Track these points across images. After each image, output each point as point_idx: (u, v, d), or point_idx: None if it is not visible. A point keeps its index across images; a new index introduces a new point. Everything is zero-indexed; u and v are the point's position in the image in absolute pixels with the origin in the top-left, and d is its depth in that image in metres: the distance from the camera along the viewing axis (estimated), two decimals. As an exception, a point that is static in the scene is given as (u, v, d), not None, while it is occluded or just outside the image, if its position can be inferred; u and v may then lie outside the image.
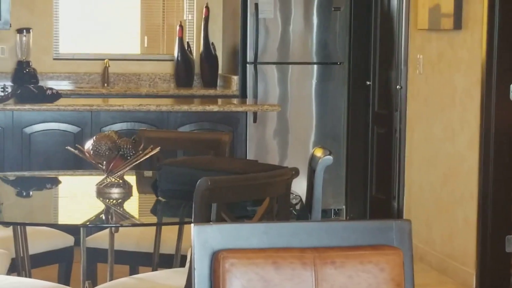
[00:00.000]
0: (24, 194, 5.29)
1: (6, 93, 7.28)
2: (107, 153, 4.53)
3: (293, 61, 8.96)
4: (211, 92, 9.05)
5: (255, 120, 8.26)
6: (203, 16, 9.29)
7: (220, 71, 9.38)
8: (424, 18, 7.23)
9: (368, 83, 8.78)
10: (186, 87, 9.25)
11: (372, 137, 8.75)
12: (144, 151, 4.60)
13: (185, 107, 7.18)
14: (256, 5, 8.71)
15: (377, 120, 8.67)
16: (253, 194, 3.98)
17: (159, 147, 4.67)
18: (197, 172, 4.42)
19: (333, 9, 8.92)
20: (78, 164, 6.73)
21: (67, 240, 5.08)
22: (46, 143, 6.97)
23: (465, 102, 6.75)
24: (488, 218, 6.50)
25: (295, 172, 4.18)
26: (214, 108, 7.23)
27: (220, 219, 3.82)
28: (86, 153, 4.58)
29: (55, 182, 5.56)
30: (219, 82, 9.35)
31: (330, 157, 4.66)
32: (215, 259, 2.65)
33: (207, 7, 9.27)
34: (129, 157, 4.56)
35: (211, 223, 2.87)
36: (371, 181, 8.72)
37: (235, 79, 8.97)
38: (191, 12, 9.56)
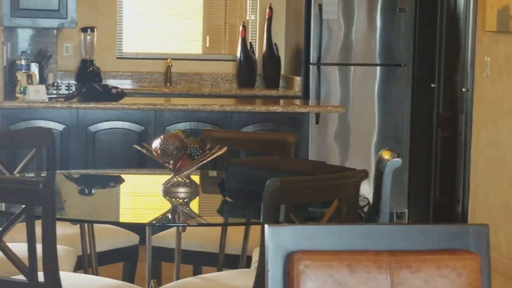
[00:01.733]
0: (89, 192, 5.33)
1: (72, 91, 7.32)
2: (174, 152, 4.53)
3: (356, 63, 8.92)
4: (273, 92, 9.03)
5: (317, 122, 8.23)
6: (266, 16, 9.29)
7: (282, 72, 9.36)
8: (492, 20, 7.16)
9: (433, 85, 8.72)
10: (248, 87, 9.25)
11: (436, 140, 8.66)
12: (211, 151, 4.61)
13: (248, 108, 7.17)
14: (320, 5, 8.68)
15: (441, 123, 8.59)
16: (322, 195, 3.96)
17: (226, 148, 4.67)
18: (264, 172, 4.40)
19: (398, 10, 8.86)
20: (142, 163, 6.77)
21: (133, 238, 5.08)
22: (110, 142, 7.01)
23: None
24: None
25: (364, 174, 4.16)
26: (278, 109, 7.22)
27: (288, 220, 3.80)
28: (154, 152, 4.59)
29: (120, 180, 5.54)
30: (281, 82, 9.33)
31: (399, 160, 4.63)
32: (289, 261, 2.63)
33: (270, 8, 9.27)
34: (196, 157, 4.56)
35: (284, 224, 2.82)
36: (435, 185, 8.63)
37: (298, 80, 8.94)
38: (254, 13, 9.55)
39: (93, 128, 6.98)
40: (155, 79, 9.29)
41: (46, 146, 5.38)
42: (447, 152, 8.42)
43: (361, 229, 2.78)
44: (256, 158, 4.90)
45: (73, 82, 8.17)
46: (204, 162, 4.57)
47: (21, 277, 3.92)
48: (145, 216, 4.64)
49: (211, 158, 4.60)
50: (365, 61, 8.95)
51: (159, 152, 4.55)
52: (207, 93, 8.90)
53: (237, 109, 7.15)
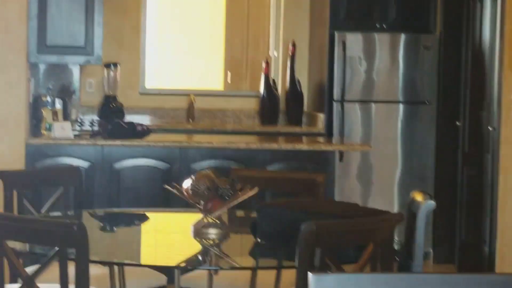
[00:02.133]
0: (118, 232, 5.30)
1: (97, 128, 7.30)
2: (205, 192, 4.50)
3: (379, 100, 8.90)
4: (296, 129, 9.02)
5: (341, 159, 8.21)
6: (289, 53, 9.29)
7: (305, 109, 9.34)
8: (518, 59, 7.15)
9: (458, 123, 8.67)
10: (271, 124, 9.22)
11: (461, 179, 8.60)
12: (241, 191, 4.58)
13: (274, 145, 7.16)
14: (344, 43, 8.69)
15: (467, 161, 8.53)
16: (358, 239, 3.92)
17: (257, 188, 4.63)
18: (297, 215, 4.36)
19: (422, 47, 8.86)
20: (167, 201, 6.73)
21: (161, 278, 5.05)
22: (135, 179, 6.98)
23: None
24: None
25: (399, 218, 4.12)
26: (303, 146, 7.19)
27: (323, 265, 3.77)
28: (184, 192, 4.56)
29: (148, 219, 5.53)
30: (304, 119, 9.31)
31: (433, 202, 4.59)
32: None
33: (293, 44, 9.26)
34: (227, 198, 4.53)
35: (328, 272, 2.78)
36: (460, 225, 8.54)
37: (321, 116, 8.93)
38: (277, 49, 9.55)
39: (118, 165, 6.95)
40: (177, 115, 9.28)
41: (74, 185, 5.37)
42: (473, 191, 8.35)
43: (408, 278, 2.75)
44: (288, 200, 4.85)
45: (96, 117, 8.14)
46: (236, 203, 4.54)
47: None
48: (175, 257, 4.59)
49: (243, 199, 4.57)
50: (388, 99, 8.93)
51: (190, 192, 4.52)
52: (230, 130, 8.89)
53: (263, 147, 7.13)
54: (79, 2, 7.14)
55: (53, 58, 7.29)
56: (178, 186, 4.64)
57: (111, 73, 8.45)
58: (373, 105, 8.90)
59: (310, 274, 2.68)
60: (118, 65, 8.18)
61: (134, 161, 7.00)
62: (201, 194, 4.50)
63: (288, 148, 7.17)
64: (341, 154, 7.98)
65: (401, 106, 8.94)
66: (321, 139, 8.34)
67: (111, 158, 6.95)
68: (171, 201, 6.59)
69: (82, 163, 6.86)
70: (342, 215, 4.30)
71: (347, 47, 8.73)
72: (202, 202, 4.53)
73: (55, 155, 6.91)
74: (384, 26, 8.90)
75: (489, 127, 7.97)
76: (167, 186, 4.70)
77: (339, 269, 3.82)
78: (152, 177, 6.99)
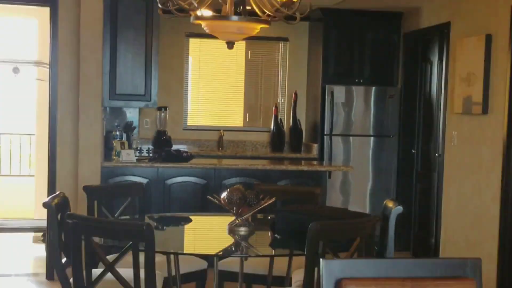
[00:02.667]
0: (172, 230, 5.32)
1: (154, 155, 7.36)
2: (237, 201, 4.54)
3: (356, 134, 8.93)
4: (297, 155, 9.03)
5: (329, 177, 8.19)
6: (292, 100, 9.34)
7: (303, 140, 9.36)
8: (459, 105, 7.15)
9: (413, 151, 8.72)
10: (278, 151, 9.25)
11: (415, 191, 8.66)
12: (264, 200, 4.61)
13: (282, 167, 7.21)
14: (332, 93, 8.73)
15: (419, 178, 8.60)
16: (349, 234, 3.96)
17: (274, 198, 4.67)
18: (305, 217, 4.40)
19: (387, 96, 8.91)
20: (205, 208, 6.76)
21: (202, 264, 5.06)
22: (181, 192, 7.02)
23: (489, 168, 6.66)
24: (506, 253, 6.39)
25: (378, 219, 4.16)
26: (304, 168, 7.27)
27: (324, 253, 3.79)
28: (222, 201, 4.59)
29: (191, 221, 5.62)
30: (302, 148, 9.33)
31: (401, 207, 4.62)
32: (339, 286, 2.63)
33: (295, 93, 9.32)
34: (253, 205, 4.57)
35: (335, 258, 2.79)
36: (414, 223, 8.59)
37: (315, 146, 8.97)
38: (283, 97, 9.61)
39: (169, 181, 6.99)
40: (211, 144, 9.31)
41: (138, 196, 5.41)
42: (423, 199, 8.41)
43: (390, 262, 2.76)
44: (297, 206, 4.88)
45: (151, 146, 8.17)
46: (260, 208, 4.57)
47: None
48: (214, 248, 4.61)
49: (264, 206, 4.59)
50: (363, 133, 8.96)
51: (226, 201, 4.55)
52: (249, 155, 8.91)
53: (274, 168, 7.17)
54: (140, 61, 7.20)
55: (121, 103, 7.35)
56: (217, 197, 4.66)
57: (162, 114, 8.45)
58: (351, 138, 8.92)
59: (321, 260, 2.70)
60: (167, 108, 8.19)
61: (181, 178, 7.04)
62: (234, 202, 4.54)
63: (293, 169, 7.21)
64: (330, 173, 7.98)
65: (372, 139, 8.96)
66: (315, 162, 8.39)
67: (164, 176, 6.99)
68: (208, 208, 6.61)
69: (143, 180, 6.88)
70: (337, 217, 4.35)
71: (334, 96, 8.76)
72: (234, 208, 4.56)
73: (123, 174, 6.93)
74: (361, 81, 8.94)
75: (435, 154, 8.02)
76: (209, 197, 4.73)
77: (335, 256, 3.84)
78: (194, 190, 7.03)
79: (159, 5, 4.65)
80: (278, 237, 4.56)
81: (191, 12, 4.42)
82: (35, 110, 9.49)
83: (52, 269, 7.08)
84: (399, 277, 2.69)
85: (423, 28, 8.46)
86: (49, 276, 7.12)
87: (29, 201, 10.00)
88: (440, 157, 7.87)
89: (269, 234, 4.72)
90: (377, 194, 8.93)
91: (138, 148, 7.98)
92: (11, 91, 10.79)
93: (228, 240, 4.63)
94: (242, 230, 4.55)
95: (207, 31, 4.47)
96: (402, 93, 8.93)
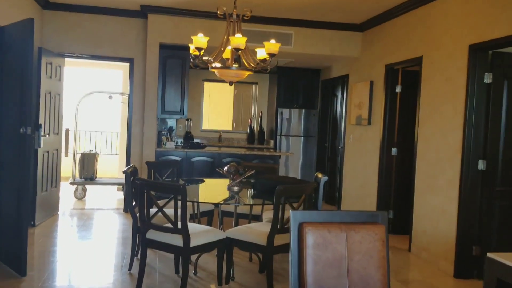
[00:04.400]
0: (191, 186, 4.93)
1: (184, 144, 6.95)
2: (233, 172, 4.18)
3: (293, 135, 8.56)
4: (262, 146, 8.64)
5: (279, 158, 7.85)
6: (260, 116, 8.97)
7: (265, 138, 8.99)
8: (353, 120, 6.86)
9: (326, 145, 8.38)
10: (252, 144, 8.85)
11: (327, 167, 8.30)
12: (248, 172, 4.25)
13: (255, 152, 6.83)
14: (281, 112, 8.39)
15: (329, 160, 8.21)
16: (299, 193, 3.60)
17: (253, 170, 4.31)
18: (273, 182, 4.05)
19: (312, 115, 8.58)
20: (212, 174, 6.40)
21: (211, 206, 4.68)
22: (200, 165, 6.60)
23: (372, 154, 6.36)
24: (381, 204, 6.11)
25: (315, 184, 3.81)
26: (267, 153, 6.86)
27: (284, 204, 3.45)
28: (224, 171, 4.22)
29: (204, 181, 5.17)
30: (265, 142, 8.96)
31: (326, 177, 4.27)
32: (301, 227, 2.29)
33: (261, 112, 8.97)
34: (241, 174, 4.20)
35: (299, 210, 2.43)
36: (325, 186, 8.10)
37: (272, 141, 8.60)
38: (255, 113, 9.23)
39: (193, 159, 6.59)
40: (214, 139, 8.91)
41: (176, 167, 5.00)
42: (332, 172, 8.00)
43: (331, 212, 2.43)
44: (268, 175, 4.51)
45: (182, 140, 7.74)
46: (246, 176, 4.20)
47: (169, 225, 3.52)
48: (218, 197, 4.23)
49: (248, 175, 4.23)
50: (297, 134, 8.59)
51: (226, 171, 4.17)
52: (236, 145, 8.52)
53: (251, 153, 6.79)
54: (177, 93, 6.79)
55: (167, 116, 6.89)
56: (221, 169, 4.30)
57: (188, 122, 8.06)
58: (291, 137, 8.55)
59: (290, 211, 2.35)
60: (191, 119, 7.79)
61: (199, 158, 6.62)
62: (232, 172, 4.17)
63: (261, 154, 6.82)
64: (280, 156, 7.62)
65: (302, 138, 8.61)
66: (272, 150, 8.01)
67: (190, 156, 6.57)
68: (214, 175, 6.25)
69: (178, 158, 6.48)
70: (292, 183, 3.99)
71: (282, 114, 8.42)
72: (231, 176, 4.19)
73: (167, 155, 6.51)
74: (297, 106, 8.58)
75: (339, 146, 7.69)
76: (217, 169, 4.36)
77: (291, 206, 3.50)
78: (206, 164, 6.61)
79: (191, 62, 4.29)
80: (256, 193, 4.18)
81: (209, 65, 4.05)
82: (120, 119, 9.08)
83: (127, 207, 6.72)
84: (337, 221, 2.37)
85: (332, 78, 8.14)
86: (125, 210, 6.73)
87: (115, 168, 9.59)
88: (342, 148, 7.56)
89: (251, 191, 4.33)
90: (305, 168, 8.61)
91: (175, 141, 7.58)
92: (107, 109, 10.40)
93: (227, 194, 4.24)
94: (235, 188, 4.18)
95: (217, 75, 4.09)
96: (320, 113, 8.61)
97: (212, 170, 6.58)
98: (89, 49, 6.50)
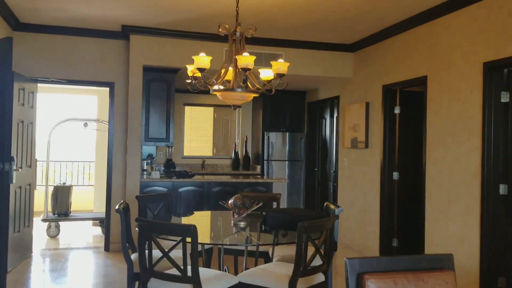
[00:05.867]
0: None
1: (170, 174, 6.45)
2: (239, 205, 3.76)
3: (279, 159, 8.23)
4: (248, 172, 8.27)
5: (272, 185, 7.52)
6: (244, 140, 8.61)
7: (251, 163, 8.61)
8: (348, 143, 6.57)
9: (315, 169, 8.08)
10: (236, 170, 8.48)
11: (317, 193, 7.98)
12: (255, 204, 3.84)
13: (247, 180, 6.39)
14: (269, 136, 8.07)
15: (320, 185, 7.91)
16: (321, 229, 3.21)
17: (261, 203, 3.90)
18: (286, 216, 3.66)
19: (299, 138, 8.29)
20: (201, 207, 5.97)
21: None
22: (188, 196, 6.11)
23: (372, 179, 6.07)
24: (384, 230, 5.80)
25: (337, 218, 3.43)
26: (260, 180, 6.45)
27: (306, 242, 3.06)
28: (229, 205, 3.79)
29: (193, 214, 4.71)
30: (250, 168, 8.57)
31: (342, 208, 3.89)
32: (361, 279, 1.91)
33: (246, 137, 8.61)
34: (249, 207, 3.79)
35: (355, 257, 2.04)
36: (318, 208, 7.92)
37: (258, 166, 8.23)
38: (239, 138, 8.85)
39: (180, 190, 6.09)
40: (197, 166, 8.46)
41: (168, 200, 4.52)
42: (323, 199, 7.70)
43: (391, 259, 2.06)
44: (280, 209, 4.09)
45: (163, 168, 7.29)
46: (252, 210, 3.78)
47: (174, 272, 3.06)
48: (229, 235, 3.78)
49: (255, 208, 3.82)
50: (282, 159, 8.27)
51: (232, 205, 3.75)
52: (221, 172, 8.10)
53: (242, 181, 6.35)
54: (162, 119, 6.33)
55: (152, 143, 6.42)
56: (225, 202, 3.87)
57: (169, 149, 7.63)
58: (279, 162, 8.22)
59: (346, 260, 1.97)
60: (172, 146, 7.34)
61: (187, 188, 6.13)
62: (238, 205, 3.75)
63: (253, 181, 6.41)
64: (272, 183, 7.24)
65: (289, 162, 8.30)
66: (265, 176, 7.61)
67: (177, 187, 6.08)
68: (204, 207, 5.84)
69: (164, 189, 6.00)
70: (308, 215, 3.59)
71: (270, 138, 8.09)
72: (236, 210, 3.77)
73: (152, 186, 6.00)
74: (284, 129, 8.28)
75: (331, 171, 7.39)
76: (221, 202, 3.92)
77: (313, 244, 3.12)
78: (194, 195, 6.13)
79: (189, 84, 3.90)
80: (268, 229, 3.76)
81: (210, 87, 3.67)
82: (95, 147, 8.50)
83: (108, 243, 6.16)
84: (400, 269, 1.99)
85: (320, 100, 7.90)
86: (106, 249, 6.16)
87: (90, 201, 8.95)
88: (334, 173, 7.27)
89: (260, 226, 3.90)
90: (292, 194, 8.29)
91: (158, 170, 7.10)
92: (82, 137, 9.82)
93: (232, 230, 3.76)
94: (242, 224, 3.75)
95: (220, 98, 3.70)
96: (307, 136, 8.33)
97: (201, 201, 6.12)
98: (65, 73, 6.00)
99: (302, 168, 8.36)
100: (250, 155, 8.68)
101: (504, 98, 4.08)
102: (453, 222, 4.48)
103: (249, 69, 3.36)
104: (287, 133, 8.29)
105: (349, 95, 6.73)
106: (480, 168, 4.15)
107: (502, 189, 4.07)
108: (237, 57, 3.39)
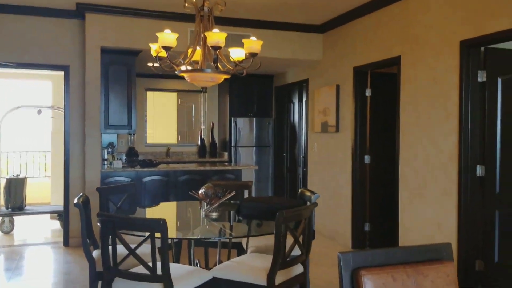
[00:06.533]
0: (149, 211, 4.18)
1: (134, 163, 6.10)
2: (211, 194, 3.51)
3: (247, 145, 8.01)
4: (215, 159, 8.01)
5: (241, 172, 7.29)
6: (211, 127, 8.33)
7: (218, 150, 8.35)
8: (318, 127, 6.41)
9: (284, 154, 7.90)
10: (203, 157, 8.21)
11: (286, 179, 7.83)
12: (228, 193, 3.59)
13: (215, 168, 6.14)
14: (236, 122, 7.82)
15: (289, 171, 7.75)
16: (300, 218, 3.01)
17: (234, 192, 3.65)
18: (260, 204, 3.44)
19: (267, 123, 8.08)
20: (166, 197, 5.70)
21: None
22: (153, 186, 5.80)
23: (343, 163, 5.93)
24: (356, 216, 5.70)
25: (315, 205, 3.23)
26: (229, 167, 6.21)
27: (285, 232, 2.85)
28: (200, 195, 3.54)
29: (159, 204, 4.43)
30: (217, 155, 8.31)
31: (318, 194, 3.70)
32: (356, 275, 1.72)
33: (212, 123, 8.32)
34: (221, 197, 3.55)
35: (349, 251, 1.85)
36: (286, 195, 7.75)
37: (226, 153, 7.98)
38: (205, 124, 8.55)
39: (145, 179, 5.77)
40: (162, 154, 8.14)
41: (131, 192, 4.19)
42: (292, 183, 7.57)
43: (386, 251, 1.87)
44: (254, 197, 3.83)
45: (124, 157, 6.93)
46: (224, 199, 3.54)
47: (141, 270, 2.79)
48: (201, 227, 3.52)
49: (228, 197, 3.58)
50: (250, 145, 8.05)
51: (203, 195, 3.51)
52: (187, 160, 7.80)
53: (210, 169, 6.09)
54: (124, 104, 5.96)
55: (112, 131, 6.05)
56: (195, 192, 3.62)
57: (131, 136, 7.27)
58: (246, 148, 7.98)
59: (338, 253, 1.78)
60: (134, 133, 6.99)
61: (152, 177, 5.82)
62: (209, 195, 3.50)
63: (221, 169, 6.16)
64: (241, 170, 6.99)
65: (254, 148, 8.09)
66: (227, 164, 7.35)
67: (141, 176, 5.75)
68: (170, 197, 5.57)
69: (127, 179, 5.66)
70: (284, 204, 3.37)
71: (237, 123, 7.84)
72: (207, 200, 3.52)
73: (114, 176, 5.65)
74: (251, 114, 8.05)
75: (301, 156, 7.23)
76: (190, 192, 3.65)
77: (292, 234, 2.92)
78: (160, 184, 5.83)
79: (153, 66, 3.59)
80: (241, 219, 3.53)
81: (177, 68, 3.37)
82: (51, 136, 8.02)
83: (68, 237, 5.80)
84: (397, 263, 1.81)
85: (288, 84, 7.70)
86: (65, 244, 5.80)
87: (47, 193, 8.47)
88: (304, 158, 7.11)
89: (234, 217, 3.67)
90: (261, 181, 8.11)
91: (119, 159, 6.74)
92: (36, 126, 9.28)
93: (204, 222, 3.52)
94: (213, 215, 3.50)
95: (188, 80, 3.41)
96: (275, 121, 8.13)
97: (167, 191, 5.82)
98: (14, 56, 5.52)
99: (270, 154, 8.17)
100: (216, 141, 8.41)
101: (481, 77, 3.98)
102: (429, 205, 4.39)
103: (220, 47, 3.09)
104: (254, 119, 8.05)
105: (318, 78, 6.55)
106: (457, 149, 4.06)
107: (479, 170, 3.99)
108: (206, 33, 3.11)
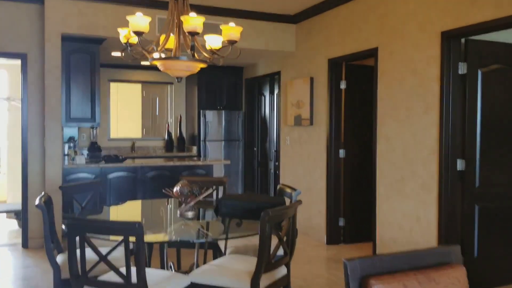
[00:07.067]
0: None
1: (97, 158, 5.76)
2: (187, 192, 3.28)
3: (216, 139, 7.77)
4: (183, 154, 7.74)
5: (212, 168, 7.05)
6: (178, 120, 8.04)
7: (186, 144, 8.07)
8: (291, 120, 6.24)
9: (255, 149, 7.73)
10: (170, 152, 7.93)
11: (257, 173, 7.67)
12: (204, 191, 3.37)
13: (185, 163, 5.87)
14: (205, 114, 7.57)
15: (259, 166, 7.59)
16: (285, 217, 2.83)
17: (211, 189, 3.44)
18: (242, 203, 3.24)
19: (237, 116, 7.86)
20: (134, 194, 5.41)
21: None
22: (119, 183, 5.49)
23: (317, 158, 5.80)
24: (331, 211, 5.58)
25: (299, 203, 3.06)
26: (199, 162, 5.96)
27: (270, 232, 2.67)
28: (175, 193, 3.30)
29: (125, 203, 4.16)
30: (186, 149, 8.04)
31: (300, 191, 3.53)
32: (365, 284, 1.55)
33: (180, 116, 8.05)
34: (197, 195, 3.32)
35: (357, 258, 1.68)
36: (258, 191, 7.58)
37: (194, 148, 7.72)
38: (171, 118, 8.25)
39: (110, 176, 5.45)
40: (125, 149, 7.80)
41: (97, 190, 3.90)
42: (264, 178, 7.43)
43: (394, 256, 1.72)
44: (234, 195, 3.63)
45: (86, 152, 6.59)
46: (200, 198, 3.31)
47: (111, 278, 2.55)
48: (177, 228, 3.27)
49: (204, 195, 3.35)
50: (219, 139, 7.82)
51: (178, 193, 3.27)
52: (154, 155, 7.50)
53: (180, 164, 5.83)
54: (87, 96, 5.61)
55: (74, 124, 5.69)
56: (169, 190, 3.37)
57: (94, 130, 6.91)
58: (216, 142, 7.75)
59: (346, 262, 1.61)
60: (98, 126, 6.61)
61: (117, 173, 5.50)
62: (185, 194, 3.27)
63: (191, 164, 5.91)
64: (212, 166, 6.77)
65: (223, 142, 7.87)
66: (196, 158, 7.10)
67: (106, 172, 5.43)
68: (137, 194, 5.30)
69: (91, 176, 5.34)
70: (267, 202, 3.17)
71: (206, 116, 7.59)
72: (183, 198, 3.30)
73: (76, 172, 5.31)
74: (221, 107, 7.82)
75: (273, 150, 7.07)
76: (165, 190, 3.40)
77: (276, 235, 2.75)
78: (127, 181, 5.52)
79: (122, 53, 3.31)
80: (221, 219, 3.31)
81: (149, 56, 3.11)
82: (7, 129, 7.53)
83: (27, 238, 5.42)
84: (406, 268, 1.66)
85: (258, 76, 7.51)
86: (24, 245, 5.42)
87: (2, 190, 7.97)
88: (276, 152, 6.95)
89: (211, 216, 3.45)
90: (232, 176, 7.89)
91: (82, 154, 6.38)
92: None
93: (180, 222, 3.29)
94: (189, 214, 3.27)
95: (161, 69, 3.15)
96: (245, 114, 7.92)
97: (134, 188, 5.52)
98: (-36, 42, 5.08)
99: (240, 148, 7.97)
100: (184, 135, 8.14)
101: (462, 69, 3.90)
102: (408, 200, 4.31)
103: (198, 33, 2.86)
104: (224, 112, 7.83)
105: (291, 70, 6.39)
106: (437, 143, 3.98)
107: (460, 164, 3.93)
108: (182, 18, 2.87)
